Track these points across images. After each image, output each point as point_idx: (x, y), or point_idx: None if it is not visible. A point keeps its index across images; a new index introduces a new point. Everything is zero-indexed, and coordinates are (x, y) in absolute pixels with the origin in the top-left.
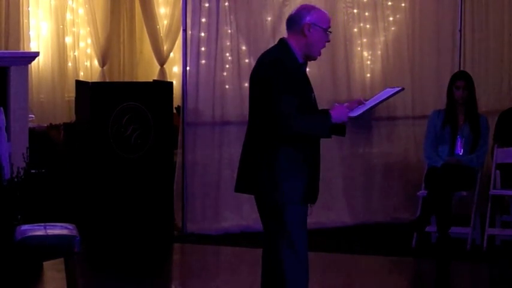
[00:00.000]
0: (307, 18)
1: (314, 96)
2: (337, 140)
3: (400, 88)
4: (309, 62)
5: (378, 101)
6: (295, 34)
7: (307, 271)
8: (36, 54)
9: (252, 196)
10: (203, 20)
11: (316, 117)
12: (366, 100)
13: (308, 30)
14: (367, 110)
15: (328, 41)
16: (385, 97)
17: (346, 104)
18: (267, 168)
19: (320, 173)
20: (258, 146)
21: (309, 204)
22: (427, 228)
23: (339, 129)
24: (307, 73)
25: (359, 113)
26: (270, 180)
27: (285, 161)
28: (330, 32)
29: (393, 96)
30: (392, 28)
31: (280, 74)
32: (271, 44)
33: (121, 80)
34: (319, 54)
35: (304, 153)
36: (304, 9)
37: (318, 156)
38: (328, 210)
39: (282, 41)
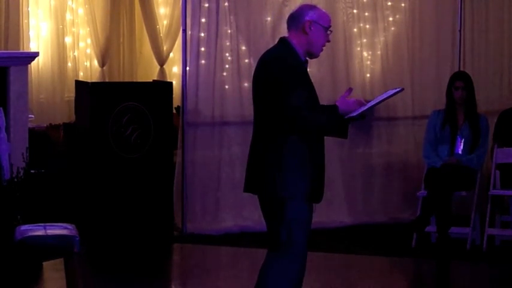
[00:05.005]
0: (309, 15)
1: (316, 93)
2: (337, 140)
3: (400, 88)
4: (309, 62)
5: (378, 101)
6: (296, 32)
7: (299, 271)
8: (36, 54)
9: (253, 196)
10: (203, 20)
11: (325, 109)
12: (368, 101)
13: (309, 28)
14: (367, 109)
15: (329, 41)
16: (385, 97)
17: (352, 100)
18: (273, 166)
19: (325, 174)
20: (265, 146)
21: (313, 204)
22: (427, 228)
23: (341, 131)
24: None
25: (360, 111)
26: (275, 178)
27: (291, 159)
28: (331, 32)
29: (393, 96)
30: (392, 28)
31: (285, 71)
32: (271, 44)
33: (121, 80)
34: (320, 52)
35: (310, 152)
36: (306, 7)
37: (323, 156)
38: (328, 210)
39: (282, 39)
